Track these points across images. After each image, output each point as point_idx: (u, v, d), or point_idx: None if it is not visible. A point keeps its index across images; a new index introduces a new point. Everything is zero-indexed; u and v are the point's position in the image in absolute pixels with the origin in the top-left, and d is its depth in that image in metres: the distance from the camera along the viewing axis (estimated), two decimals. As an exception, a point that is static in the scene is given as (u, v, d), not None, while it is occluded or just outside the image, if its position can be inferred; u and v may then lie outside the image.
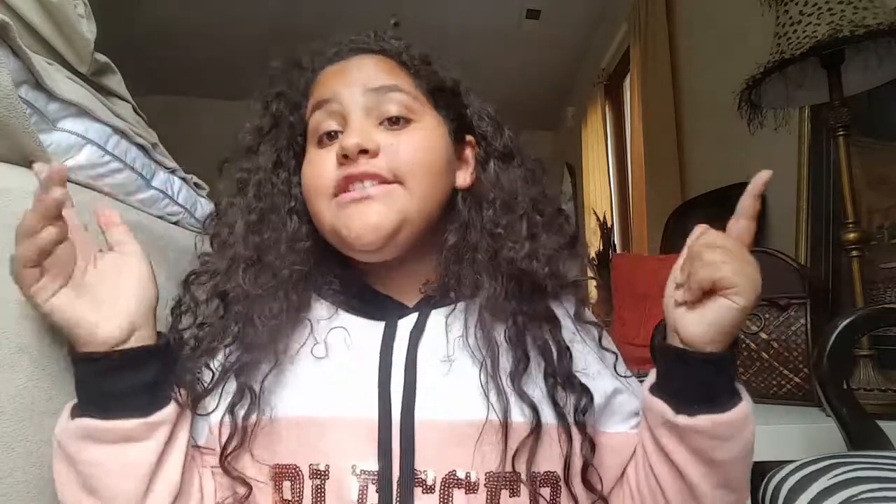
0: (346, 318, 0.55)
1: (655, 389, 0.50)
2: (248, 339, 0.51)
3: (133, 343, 0.47)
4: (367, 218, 0.52)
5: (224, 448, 0.50)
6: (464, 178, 0.59)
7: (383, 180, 0.52)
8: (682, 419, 0.47)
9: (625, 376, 0.57)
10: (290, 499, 0.48)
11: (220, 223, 0.59)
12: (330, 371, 0.52)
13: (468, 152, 0.61)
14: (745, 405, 0.47)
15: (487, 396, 0.49)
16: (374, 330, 0.54)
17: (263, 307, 0.52)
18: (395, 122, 0.55)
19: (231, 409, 0.50)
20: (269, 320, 0.52)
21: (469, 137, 0.61)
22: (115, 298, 0.47)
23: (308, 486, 0.48)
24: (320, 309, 0.56)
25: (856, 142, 1.15)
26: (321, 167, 0.55)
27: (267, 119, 0.61)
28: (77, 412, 0.46)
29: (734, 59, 1.35)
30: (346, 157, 0.52)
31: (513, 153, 0.60)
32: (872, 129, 1.23)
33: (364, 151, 0.52)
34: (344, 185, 0.53)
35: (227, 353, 0.53)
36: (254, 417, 0.50)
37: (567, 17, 3.27)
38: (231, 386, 0.51)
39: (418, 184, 0.53)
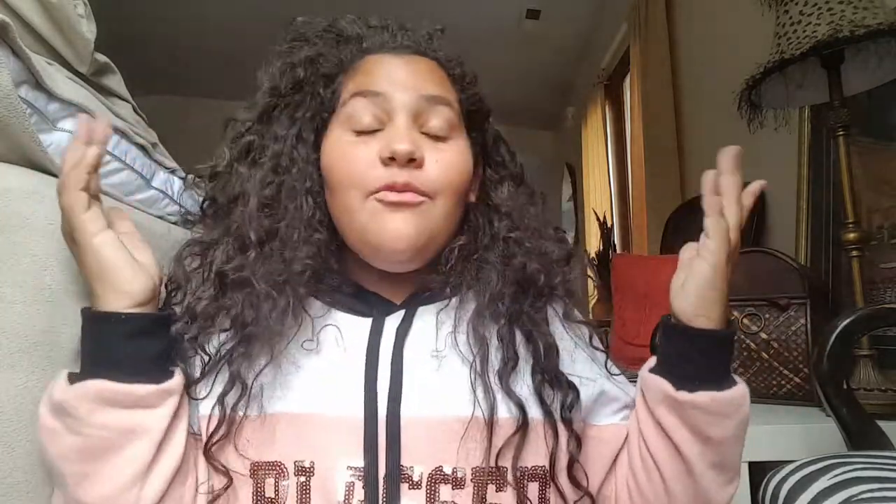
0: (336, 315, 0.55)
1: (656, 370, 0.52)
2: (246, 330, 0.50)
3: (149, 309, 0.48)
4: (404, 229, 0.51)
5: (210, 437, 0.49)
6: (470, 197, 0.60)
7: (421, 194, 0.52)
8: (683, 395, 0.49)
9: (615, 374, 0.59)
10: (272, 497, 0.48)
11: (218, 188, 0.55)
12: (320, 367, 0.52)
13: (477, 173, 0.61)
14: (743, 387, 0.50)
15: (475, 393, 0.50)
16: (361, 327, 0.54)
17: (269, 302, 0.50)
18: (435, 137, 0.55)
19: (221, 400, 0.49)
20: (274, 315, 0.49)
21: (480, 160, 0.61)
22: (139, 261, 0.48)
23: (293, 483, 0.48)
24: (314, 304, 0.55)
25: (856, 142, 1.15)
26: (360, 159, 0.52)
27: (287, 80, 0.57)
28: (82, 377, 0.45)
29: (734, 59, 1.35)
30: (392, 159, 0.51)
31: (523, 178, 0.63)
32: (872, 129, 1.23)
33: (411, 160, 0.51)
34: (382, 188, 0.51)
35: (223, 339, 0.52)
36: (243, 410, 0.49)
37: (567, 17, 3.27)
38: (223, 374, 0.50)
39: (447, 202, 0.54)
